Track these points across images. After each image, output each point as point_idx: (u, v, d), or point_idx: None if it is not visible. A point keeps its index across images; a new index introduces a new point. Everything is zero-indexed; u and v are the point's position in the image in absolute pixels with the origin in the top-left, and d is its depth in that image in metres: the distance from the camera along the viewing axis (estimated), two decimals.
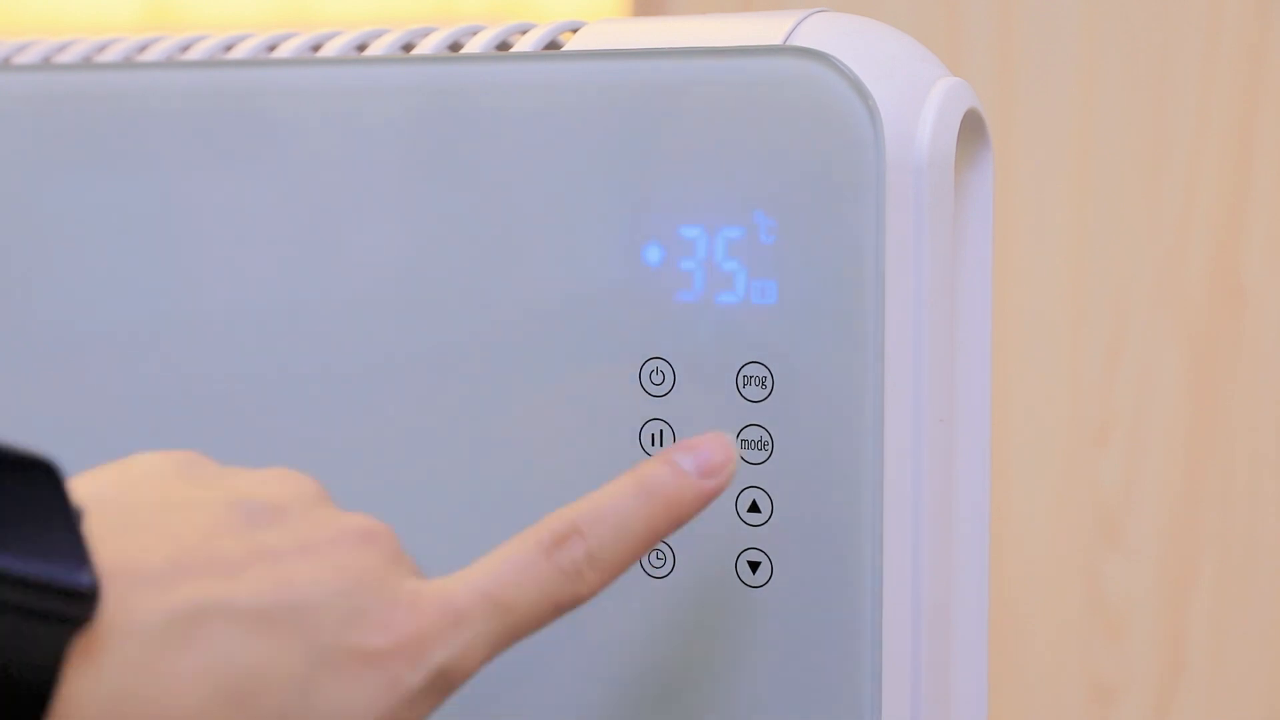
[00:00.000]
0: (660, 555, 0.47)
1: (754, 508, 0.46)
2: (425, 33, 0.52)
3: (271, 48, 0.54)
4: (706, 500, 0.42)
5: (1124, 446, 0.97)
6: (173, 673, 0.35)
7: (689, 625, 0.47)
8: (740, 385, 0.46)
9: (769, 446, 0.45)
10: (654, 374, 0.47)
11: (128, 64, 0.55)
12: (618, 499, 0.41)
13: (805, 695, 0.46)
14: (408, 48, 0.52)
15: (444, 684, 0.38)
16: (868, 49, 0.45)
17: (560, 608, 0.40)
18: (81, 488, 0.37)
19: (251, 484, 0.39)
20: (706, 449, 0.42)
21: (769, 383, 0.45)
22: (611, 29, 0.49)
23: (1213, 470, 0.96)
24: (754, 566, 0.46)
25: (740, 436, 0.46)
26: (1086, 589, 0.99)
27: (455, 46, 0.51)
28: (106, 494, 0.37)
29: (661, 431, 0.47)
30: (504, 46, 0.51)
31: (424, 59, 0.50)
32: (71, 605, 0.33)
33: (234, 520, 0.38)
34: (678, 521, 0.42)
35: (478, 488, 0.49)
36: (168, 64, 0.54)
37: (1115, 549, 0.98)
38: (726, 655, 0.46)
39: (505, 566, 0.39)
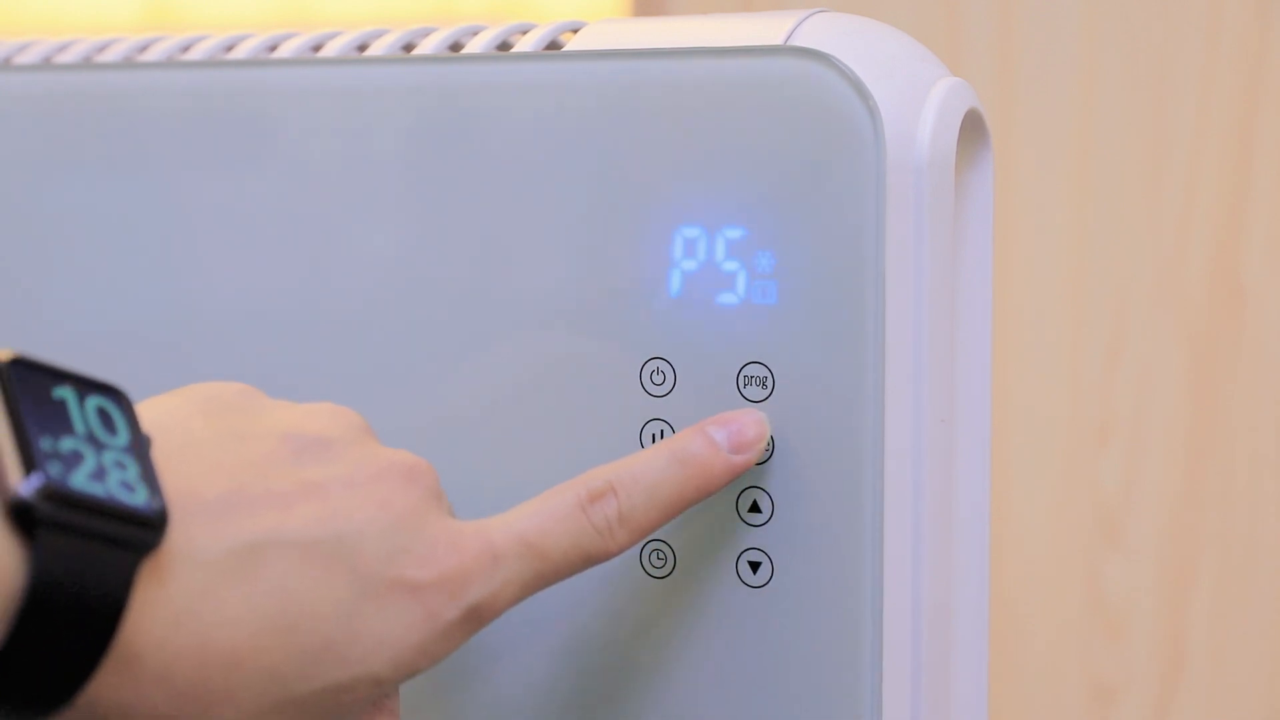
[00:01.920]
0: (661, 555, 0.47)
1: (755, 508, 0.46)
2: (426, 33, 0.52)
3: (272, 48, 0.54)
4: (735, 474, 0.44)
5: (1124, 446, 0.97)
6: (229, 601, 0.37)
7: (689, 625, 0.47)
8: (741, 385, 0.46)
9: (769, 446, 0.45)
10: (654, 374, 0.47)
11: (128, 64, 0.55)
12: (653, 465, 0.43)
13: (805, 695, 0.46)
14: (408, 48, 0.52)
15: (476, 620, 0.40)
16: (868, 49, 0.45)
17: (590, 560, 0.42)
18: (146, 415, 0.39)
19: (301, 418, 0.41)
20: (740, 424, 0.45)
21: (769, 383, 0.45)
22: (612, 29, 0.49)
23: (1213, 470, 0.96)
24: (754, 566, 0.46)
25: None
26: (1086, 589, 0.99)
27: (456, 47, 0.51)
28: (169, 422, 0.39)
29: (662, 431, 0.47)
30: (504, 47, 0.51)
31: (425, 59, 0.50)
32: (142, 532, 0.35)
33: (285, 453, 0.40)
34: (706, 491, 0.44)
35: (478, 487, 0.49)
36: (168, 64, 0.54)
37: (1115, 549, 0.98)
38: (726, 655, 0.46)
39: (543, 515, 0.42)
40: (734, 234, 0.45)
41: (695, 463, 0.44)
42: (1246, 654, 0.96)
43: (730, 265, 0.45)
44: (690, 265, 0.46)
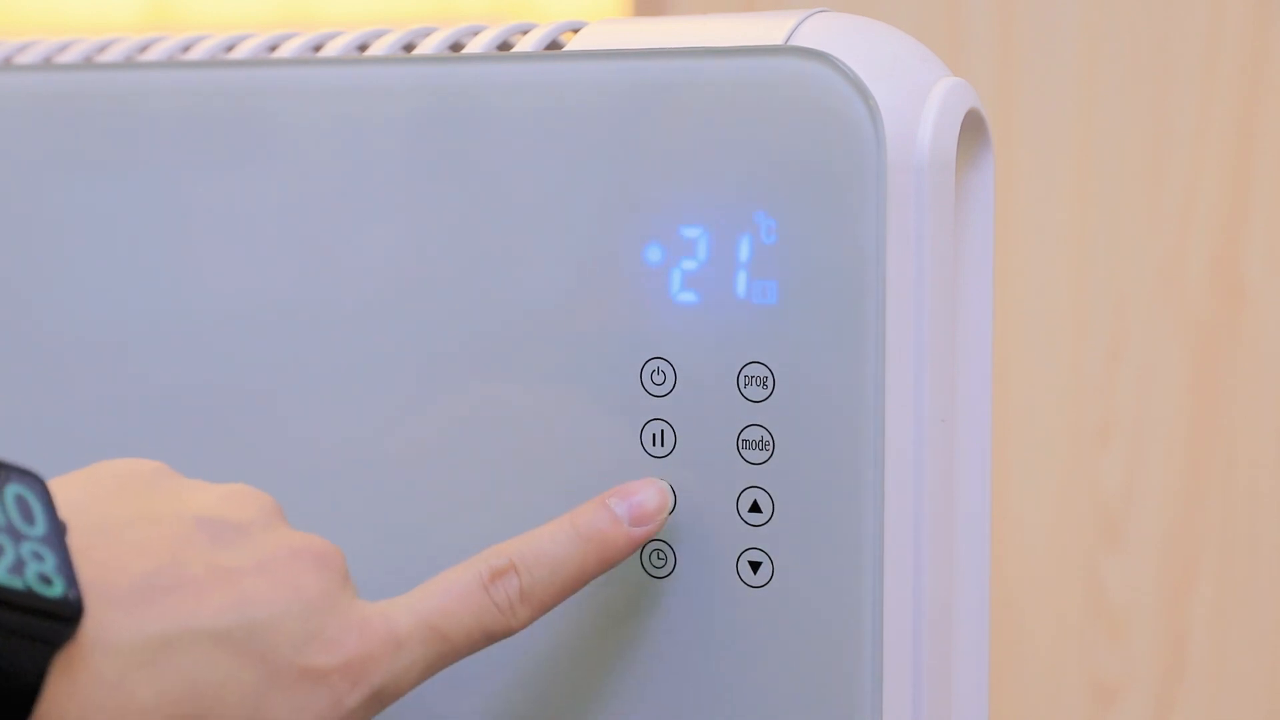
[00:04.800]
0: (661, 555, 0.47)
1: (755, 508, 0.46)
2: (426, 33, 0.52)
3: (272, 48, 0.54)
4: (636, 546, 0.45)
5: (1124, 446, 0.97)
6: (139, 692, 0.37)
7: (690, 625, 0.47)
8: (741, 385, 0.46)
9: (770, 446, 0.45)
10: (655, 374, 0.47)
11: (128, 64, 0.55)
12: (554, 540, 0.44)
13: (806, 695, 0.46)
14: (409, 48, 0.52)
15: (378, 703, 0.41)
16: (869, 49, 0.45)
17: (492, 637, 0.43)
18: (60, 496, 0.39)
19: (215, 501, 0.41)
20: (641, 496, 0.45)
21: (770, 383, 0.45)
22: (613, 29, 0.49)
23: (1213, 470, 0.96)
24: (755, 566, 0.46)
25: (741, 436, 0.46)
26: (1087, 589, 0.99)
27: (456, 46, 0.51)
28: (84, 504, 0.39)
29: (662, 431, 0.47)
30: (505, 46, 0.51)
31: (425, 59, 0.50)
32: (58, 625, 0.36)
33: (199, 539, 0.40)
34: (607, 565, 0.45)
35: (479, 487, 0.49)
36: (168, 64, 0.54)
37: (1115, 549, 0.98)
38: (727, 655, 0.46)
39: (446, 596, 0.42)
40: (734, 234, 0.45)
41: (597, 538, 0.44)
42: (1247, 654, 0.96)
43: (730, 265, 0.45)
44: (690, 265, 0.46)
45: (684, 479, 0.46)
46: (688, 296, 0.46)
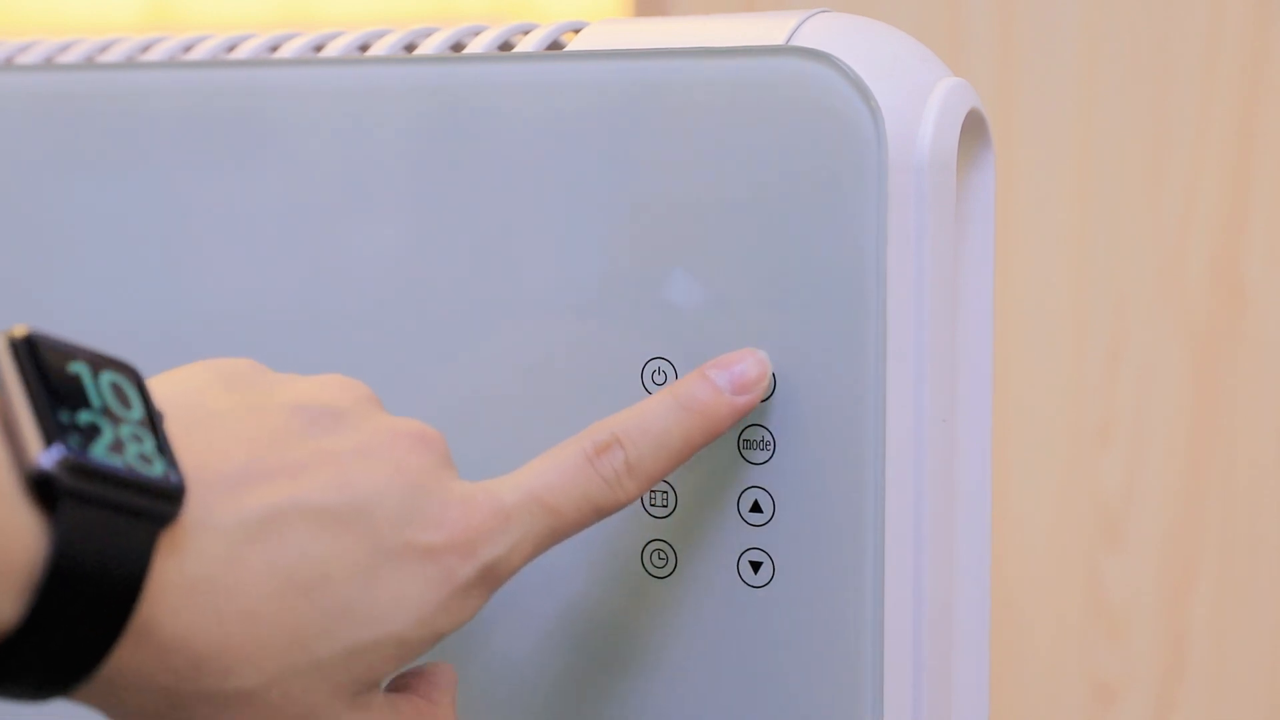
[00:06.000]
0: (662, 555, 0.47)
1: (756, 508, 0.46)
2: (427, 33, 0.52)
3: (274, 48, 0.54)
4: (739, 415, 0.45)
5: (1125, 446, 0.97)
6: (248, 567, 0.37)
7: (690, 625, 0.47)
8: None
9: (771, 447, 0.45)
10: (655, 374, 0.47)
11: (130, 64, 0.55)
12: (656, 413, 0.44)
13: (806, 695, 0.46)
14: (410, 48, 0.52)
15: (492, 579, 0.41)
16: (870, 49, 0.45)
17: (601, 511, 0.43)
18: (158, 390, 0.39)
19: (312, 389, 0.42)
20: (741, 365, 0.45)
21: (770, 382, 0.45)
22: (614, 29, 0.49)
23: (1213, 470, 0.96)
24: (756, 566, 0.46)
25: (741, 437, 0.46)
26: (1087, 589, 0.99)
27: (458, 47, 0.51)
28: (183, 397, 0.40)
29: None
30: (506, 47, 0.51)
31: (426, 59, 0.50)
32: (161, 503, 0.36)
33: (299, 424, 0.40)
34: (712, 435, 0.44)
35: None
36: (170, 64, 0.54)
37: (1116, 549, 0.98)
38: (727, 655, 0.46)
39: (551, 471, 0.42)
40: (735, 234, 0.45)
41: (698, 409, 0.44)
42: (1247, 654, 0.96)
43: (731, 265, 0.45)
44: (691, 265, 0.46)
45: (684, 479, 0.46)
46: (688, 297, 0.46)
